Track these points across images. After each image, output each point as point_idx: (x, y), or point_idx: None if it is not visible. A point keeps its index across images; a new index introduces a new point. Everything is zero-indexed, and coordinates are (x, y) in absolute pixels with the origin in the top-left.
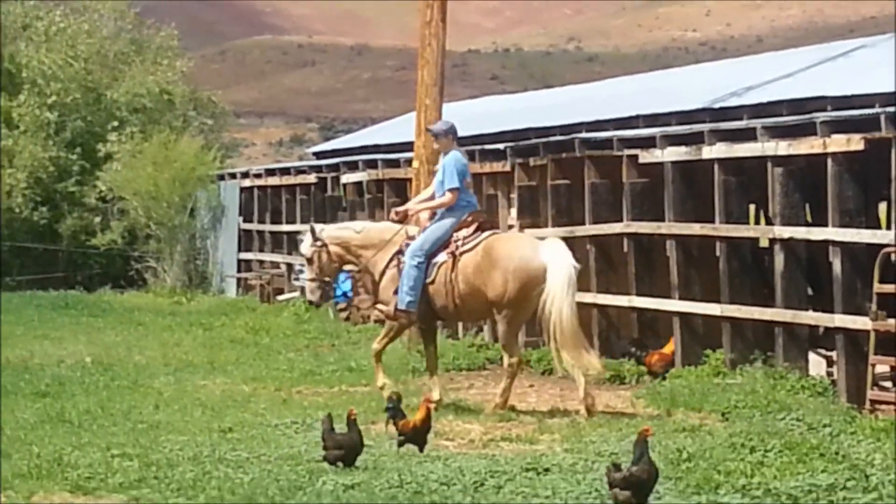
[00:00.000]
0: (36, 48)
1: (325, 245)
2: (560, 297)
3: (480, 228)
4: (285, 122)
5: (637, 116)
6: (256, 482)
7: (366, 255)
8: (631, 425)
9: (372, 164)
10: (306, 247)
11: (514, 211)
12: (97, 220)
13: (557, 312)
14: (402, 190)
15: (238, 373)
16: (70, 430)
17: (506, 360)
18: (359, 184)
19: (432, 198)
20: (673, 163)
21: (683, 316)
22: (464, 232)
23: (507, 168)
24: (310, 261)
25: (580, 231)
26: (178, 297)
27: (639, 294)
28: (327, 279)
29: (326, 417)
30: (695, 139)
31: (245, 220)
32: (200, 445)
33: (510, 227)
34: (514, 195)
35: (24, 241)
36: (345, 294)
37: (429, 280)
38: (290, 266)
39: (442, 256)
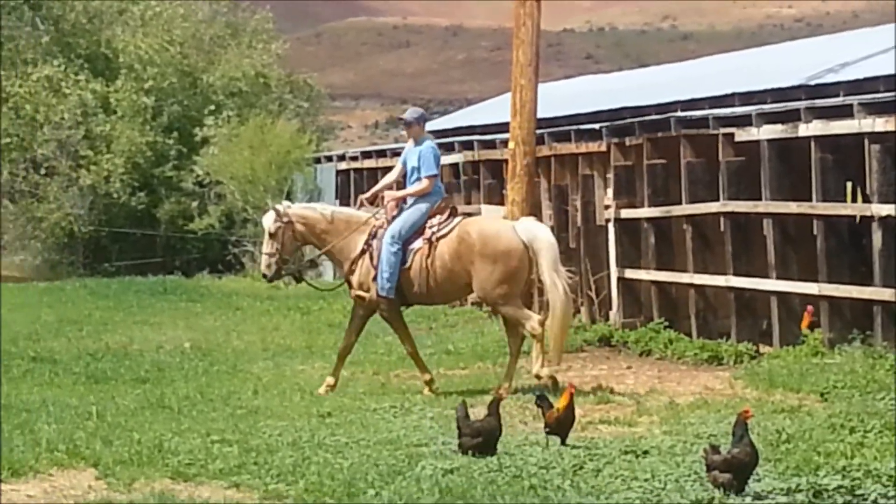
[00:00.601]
0: (132, 33)
1: (290, 222)
2: (553, 273)
3: (452, 214)
4: (381, 104)
5: (732, 94)
6: (356, 467)
7: (329, 239)
8: (730, 407)
9: (468, 146)
10: (270, 221)
11: (610, 191)
12: (194, 204)
13: (553, 286)
14: (497, 171)
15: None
16: (170, 416)
17: (526, 329)
18: (455, 165)
19: (401, 184)
20: (769, 141)
21: (781, 295)
22: (437, 218)
23: (603, 148)
24: (272, 235)
25: (676, 210)
26: (275, 282)
27: (736, 274)
28: (287, 256)
29: (461, 405)
30: (791, 117)
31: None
32: (299, 430)
33: (606, 207)
34: (610, 175)
35: (122, 226)
36: None
37: (406, 266)
38: None
39: (418, 243)
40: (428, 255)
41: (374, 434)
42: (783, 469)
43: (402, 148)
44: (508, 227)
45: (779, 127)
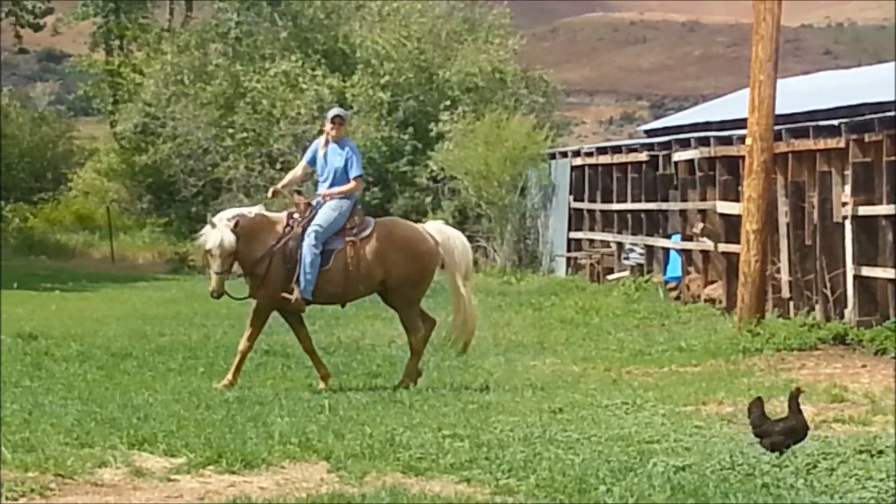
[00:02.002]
0: (369, 28)
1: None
2: (460, 279)
3: (367, 215)
4: (615, 100)
5: None
6: (587, 463)
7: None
8: None
9: (704, 142)
10: (228, 239)
11: (847, 188)
12: (428, 199)
13: (466, 290)
14: (734, 168)
15: (568, 353)
16: (402, 410)
17: (412, 339)
18: (690, 162)
19: (308, 180)
20: None
21: None
22: (356, 218)
23: (842, 144)
24: (230, 253)
25: None
26: (507, 277)
27: None
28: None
29: (756, 401)
30: None
31: (575, 199)
32: (531, 426)
33: (843, 204)
34: (848, 172)
35: None
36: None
37: (326, 267)
38: (620, 245)
39: (339, 243)
40: (352, 256)
41: (605, 430)
42: None
43: (636, 144)
44: (424, 229)
45: None
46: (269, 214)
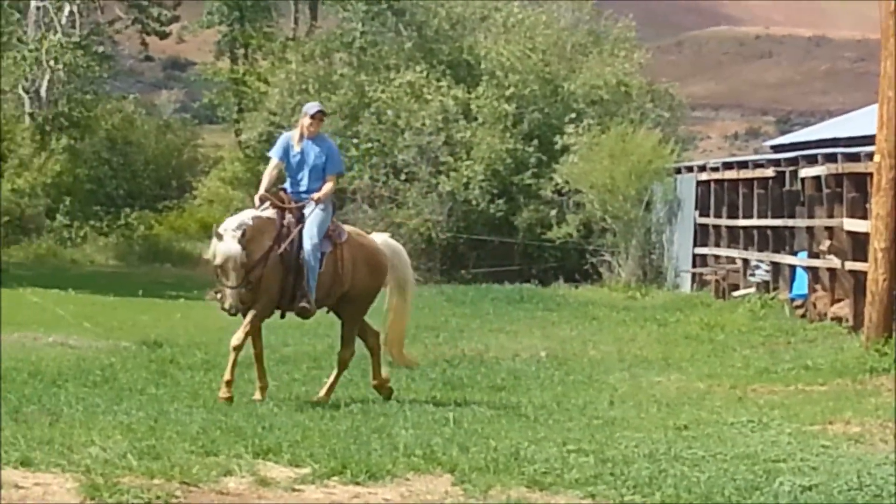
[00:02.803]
0: (494, 40)
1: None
2: (410, 294)
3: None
4: (741, 115)
5: None
6: (712, 481)
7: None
8: None
9: (831, 158)
10: (226, 252)
11: None
12: (553, 212)
13: (404, 306)
14: (862, 185)
15: (693, 369)
16: (526, 424)
17: (345, 353)
18: (817, 178)
19: (286, 182)
20: None
21: None
22: (334, 220)
23: None
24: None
25: None
26: (632, 292)
27: None
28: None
29: None
30: None
31: (701, 215)
32: (656, 443)
33: None
34: None
35: (481, 233)
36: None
37: (320, 270)
38: (745, 261)
39: (328, 246)
40: (340, 259)
41: (731, 448)
42: None
43: (763, 160)
44: (377, 241)
45: None
46: (264, 214)
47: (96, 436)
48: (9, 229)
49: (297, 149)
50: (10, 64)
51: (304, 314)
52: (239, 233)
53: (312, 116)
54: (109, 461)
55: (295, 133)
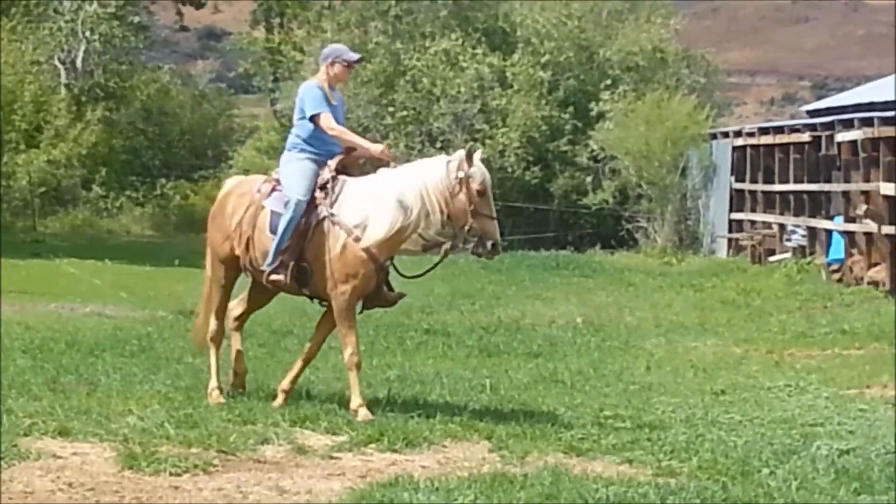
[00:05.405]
0: (530, 7)
1: None
2: None
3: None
4: (777, 80)
5: None
6: (749, 445)
7: None
8: None
9: (868, 123)
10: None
11: None
12: (588, 179)
13: None
14: None
15: (729, 334)
16: (563, 390)
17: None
18: (854, 143)
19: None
20: None
21: None
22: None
23: None
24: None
25: None
26: (668, 258)
27: None
28: None
29: None
30: None
31: (737, 180)
32: (693, 408)
33: None
34: None
35: (516, 200)
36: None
37: None
38: (782, 226)
39: None
40: None
41: (768, 413)
42: None
43: (799, 125)
44: None
45: None
46: None
47: (134, 405)
48: (45, 200)
49: (333, 100)
50: (46, 35)
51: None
52: None
53: (350, 65)
54: (147, 430)
55: (322, 82)
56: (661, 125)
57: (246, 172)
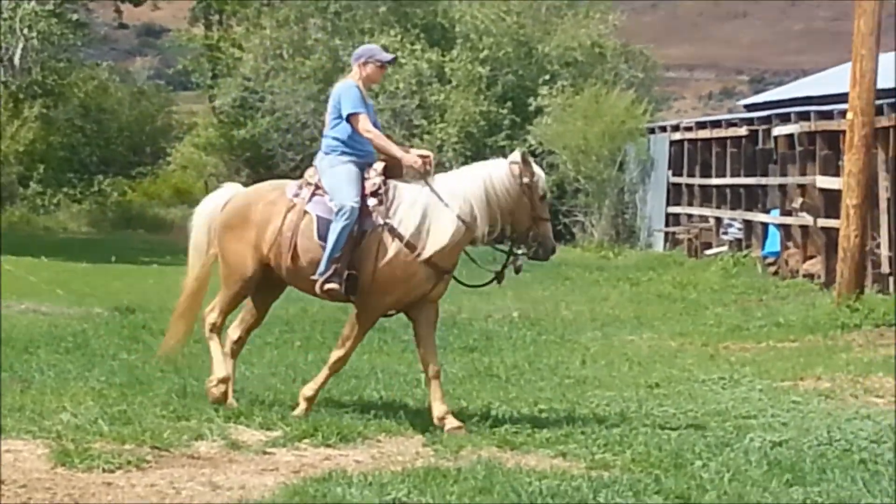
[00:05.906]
0: (469, 3)
1: None
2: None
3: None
4: (715, 75)
5: None
6: (683, 438)
7: None
8: None
9: (804, 116)
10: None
11: None
12: None
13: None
14: (834, 142)
15: (665, 328)
16: (498, 384)
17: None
18: (790, 136)
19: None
20: None
21: None
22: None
23: None
24: None
25: None
26: (605, 252)
27: None
28: None
29: None
30: None
31: (674, 174)
32: (627, 401)
33: None
34: None
35: None
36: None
37: None
38: (718, 220)
39: None
40: None
41: (702, 405)
42: None
43: (736, 119)
44: None
45: None
46: None
47: (67, 402)
48: None
49: (369, 101)
50: None
51: None
52: None
53: (383, 65)
54: (80, 427)
55: (358, 82)
56: (599, 120)
57: (184, 169)
